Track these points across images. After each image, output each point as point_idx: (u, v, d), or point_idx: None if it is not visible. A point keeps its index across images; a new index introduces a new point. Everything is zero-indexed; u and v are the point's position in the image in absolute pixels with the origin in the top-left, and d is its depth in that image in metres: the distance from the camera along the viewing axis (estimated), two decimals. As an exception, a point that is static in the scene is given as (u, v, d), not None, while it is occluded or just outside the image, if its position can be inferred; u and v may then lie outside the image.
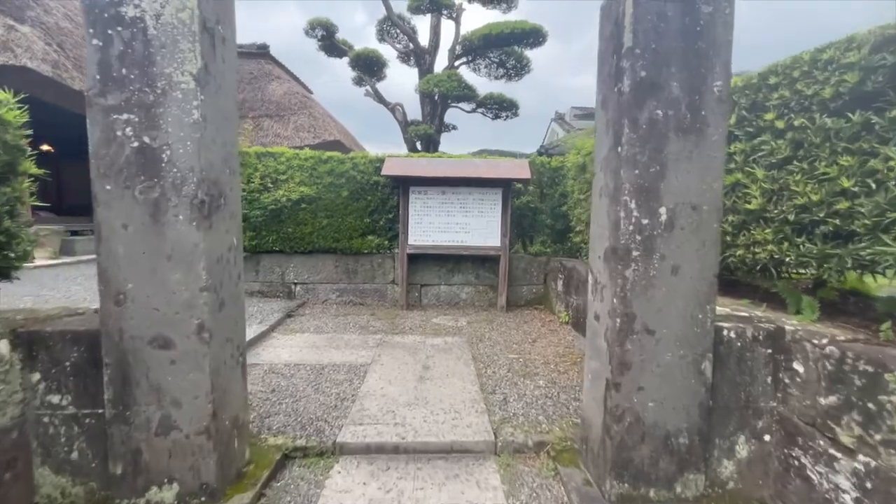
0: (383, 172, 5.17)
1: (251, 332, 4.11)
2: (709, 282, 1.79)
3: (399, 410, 2.68)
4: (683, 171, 1.74)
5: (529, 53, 9.19)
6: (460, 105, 9.58)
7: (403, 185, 5.39)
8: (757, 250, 2.27)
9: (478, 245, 5.53)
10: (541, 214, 6.03)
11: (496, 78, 9.93)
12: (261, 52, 15.10)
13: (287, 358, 3.66)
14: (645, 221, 1.75)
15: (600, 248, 1.96)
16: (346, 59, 9.93)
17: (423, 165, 5.32)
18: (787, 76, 2.07)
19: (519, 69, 9.50)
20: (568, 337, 4.43)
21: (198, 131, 1.65)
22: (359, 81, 10.20)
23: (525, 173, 5.21)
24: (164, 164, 1.64)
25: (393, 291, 5.83)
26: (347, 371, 3.39)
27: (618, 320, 1.79)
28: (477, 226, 5.52)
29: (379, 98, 9.86)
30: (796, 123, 2.00)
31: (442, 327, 4.78)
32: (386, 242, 5.80)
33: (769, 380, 1.90)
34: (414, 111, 10.19)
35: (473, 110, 9.64)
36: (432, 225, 5.50)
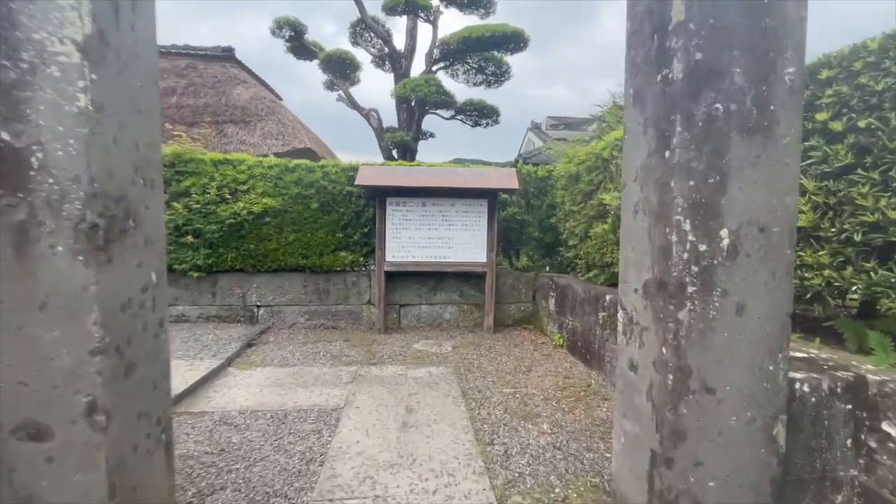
0: (357, 182, 4.69)
1: (202, 370, 3.52)
2: (781, 323, 1.41)
3: (380, 476, 2.18)
4: (749, 182, 1.35)
5: (510, 59, 8.96)
6: (438, 112, 9.21)
7: (380, 196, 4.92)
8: (807, 275, 1.92)
9: (462, 261, 5.10)
10: (528, 227, 5.67)
11: (475, 85, 9.64)
12: (225, 55, 14.35)
13: (243, 402, 3.10)
14: (703, 248, 1.35)
15: (637, 279, 1.55)
16: (317, 63, 9.40)
17: (401, 175, 4.87)
18: (844, 69, 1.75)
19: (498, 76, 9.23)
20: (565, 364, 4.03)
21: (86, 125, 1.15)
22: (331, 86, 9.65)
23: (513, 183, 4.84)
24: (33, 173, 1.13)
25: (369, 313, 5.31)
26: (316, 418, 2.87)
27: (670, 376, 1.38)
28: (461, 240, 5.10)
29: (352, 103, 9.36)
30: (861, 125, 1.67)
31: (425, 354, 4.30)
32: (361, 259, 5.30)
33: (849, 443, 1.53)
34: (390, 118, 9.78)
35: (452, 117, 9.27)
36: (412, 240, 5.04)
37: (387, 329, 5.15)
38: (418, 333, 5.10)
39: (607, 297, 3.53)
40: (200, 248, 4.88)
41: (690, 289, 1.36)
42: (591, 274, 4.18)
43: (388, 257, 5.01)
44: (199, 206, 4.83)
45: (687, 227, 1.35)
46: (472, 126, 9.41)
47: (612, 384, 3.42)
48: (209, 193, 4.84)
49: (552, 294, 4.83)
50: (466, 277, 5.39)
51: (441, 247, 5.08)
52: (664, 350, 1.40)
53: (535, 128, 24.53)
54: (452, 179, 4.84)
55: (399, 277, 5.25)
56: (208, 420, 2.82)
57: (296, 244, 5.07)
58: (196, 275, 4.92)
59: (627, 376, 1.64)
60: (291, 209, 5.04)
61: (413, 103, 8.78)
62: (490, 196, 5.04)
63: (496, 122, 9.33)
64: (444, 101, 8.84)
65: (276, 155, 4.79)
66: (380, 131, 9.09)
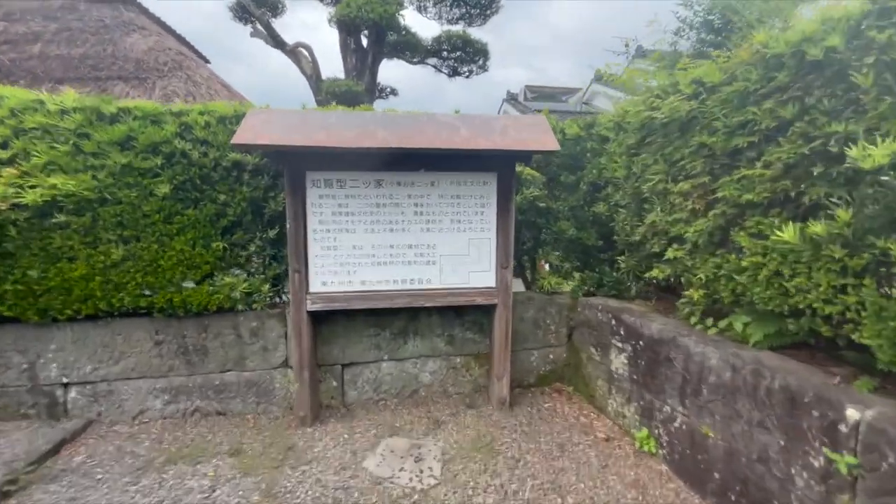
0: (236, 141, 2.34)
1: None
2: None
3: None
4: None
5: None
6: (404, 56, 6.79)
7: (293, 167, 2.60)
8: None
9: (453, 286, 2.89)
10: (557, 220, 3.51)
11: (451, 22, 7.27)
12: (117, -7, 11.24)
13: None
14: None
15: None
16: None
17: (333, 125, 2.55)
18: None
19: (484, 8, 6.90)
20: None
21: None
22: (241, 15, 6.94)
23: (548, 141, 2.64)
24: None
25: (285, 383, 3.03)
26: None
27: None
28: (449, 247, 2.88)
29: (273, 38, 6.72)
30: None
31: (388, 497, 2.10)
32: (265, 287, 2.98)
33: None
34: (335, 68, 7.26)
35: (421, 61, 6.86)
36: (359, 250, 2.77)
37: (317, 415, 2.90)
38: (375, 420, 2.88)
39: (849, 414, 1.42)
40: (-89, 280, 2.42)
41: None
42: (737, 323, 2.05)
43: (316, 285, 2.73)
44: None
45: None
46: (450, 75, 7.05)
47: None
48: (-86, 166, 2.37)
49: (619, 343, 2.70)
50: (457, 312, 3.20)
51: (415, 262, 2.85)
52: None
53: (512, 98, 22.37)
54: (434, 135, 2.57)
55: (339, 318, 2.99)
56: None
57: (130, 266, 2.69)
58: None
59: None
60: (116, 196, 2.64)
61: (364, 40, 6.31)
62: (502, 165, 2.82)
63: (483, 68, 6.98)
64: (408, 40, 6.43)
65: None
66: (315, 79, 6.55)
